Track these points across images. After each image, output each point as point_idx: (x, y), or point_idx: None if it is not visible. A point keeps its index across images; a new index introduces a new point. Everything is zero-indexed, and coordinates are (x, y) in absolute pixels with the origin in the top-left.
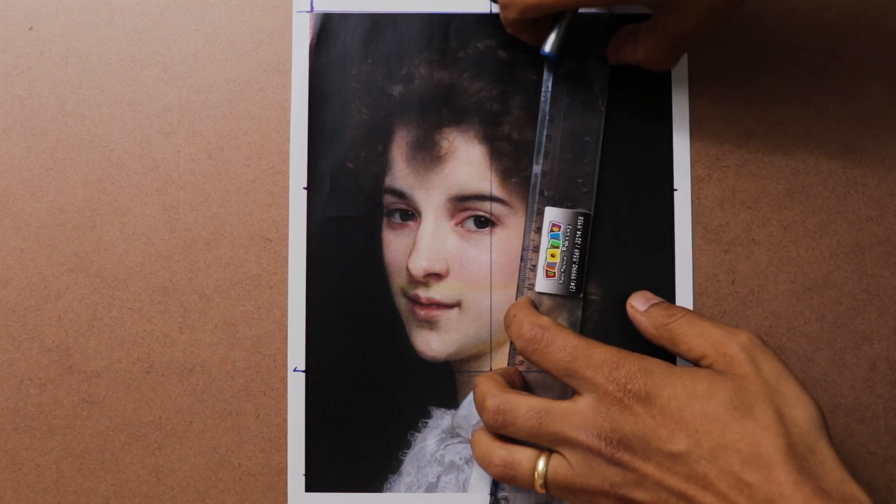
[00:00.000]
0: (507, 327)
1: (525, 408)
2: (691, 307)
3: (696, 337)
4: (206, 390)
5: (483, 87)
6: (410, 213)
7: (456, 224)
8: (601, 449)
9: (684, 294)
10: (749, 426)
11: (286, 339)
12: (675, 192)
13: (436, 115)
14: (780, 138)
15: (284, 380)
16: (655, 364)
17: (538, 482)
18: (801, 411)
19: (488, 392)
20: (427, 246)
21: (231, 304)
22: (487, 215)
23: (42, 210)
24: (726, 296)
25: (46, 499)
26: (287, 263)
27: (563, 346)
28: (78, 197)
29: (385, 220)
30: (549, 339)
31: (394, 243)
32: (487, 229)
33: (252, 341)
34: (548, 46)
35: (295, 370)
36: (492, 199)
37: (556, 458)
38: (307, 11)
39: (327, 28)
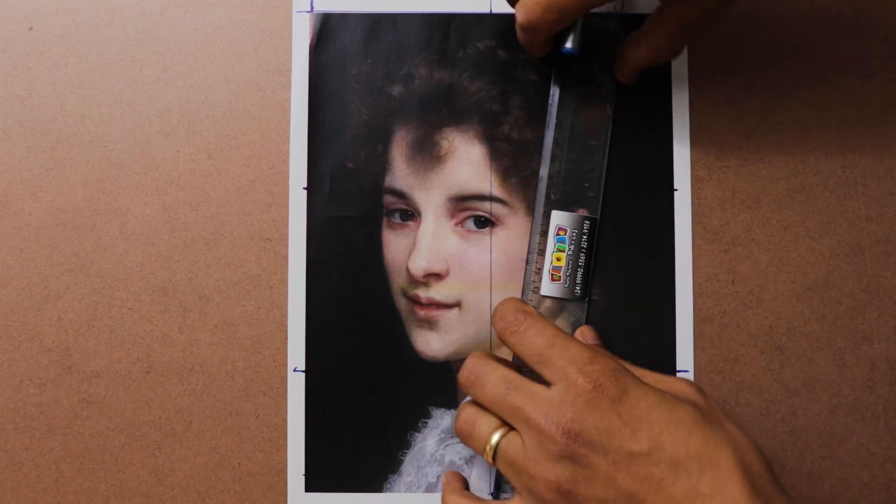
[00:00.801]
0: (492, 315)
1: (498, 374)
2: (691, 307)
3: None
4: (205, 390)
5: (483, 87)
6: (410, 213)
7: (456, 224)
8: (557, 438)
9: (684, 294)
10: (711, 436)
11: (286, 339)
12: (675, 192)
13: (436, 115)
14: (780, 138)
15: (284, 380)
16: (630, 366)
17: (489, 452)
18: (746, 438)
19: (473, 354)
20: (427, 246)
21: (231, 304)
22: (487, 215)
23: (42, 210)
24: (726, 296)
25: (46, 499)
26: (287, 263)
27: (542, 333)
28: (78, 197)
29: (385, 220)
30: (529, 324)
31: (394, 243)
32: (487, 229)
33: (252, 341)
34: (569, 43)
35: (295, 370)
36: (492, 199)
37: (512, 435)
38: (307, 11)
39: (327, 28)
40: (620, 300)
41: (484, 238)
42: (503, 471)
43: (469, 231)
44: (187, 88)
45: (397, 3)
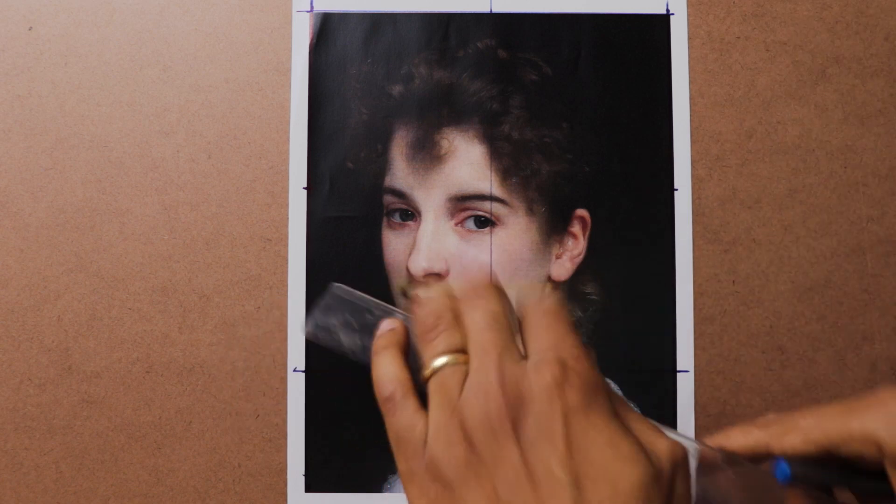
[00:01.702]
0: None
1: (500, 307)
2: (691, 307)
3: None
4: (205, 390)
5: (483, 87)
6: (410, 213)
7: (456, 224)
8: (500, 410)
9: (684, 294)
10: None
11: (286, 339)
12: (675, 192)
13: (436, 115)
14: (780, 138)
15: (284, 380)
16: (610, 388)
17: (429, 370)
18: None
19: (495, 280)
20: (427, 246)
21: (231, 304)
22: (487, 215)
23: (42, 210)
24: (726, 296)
25: (46, 499)
26: (287, 263)
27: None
28: (78, 197)
29: (385, 220)
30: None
31: (394, 243)
32: (487, 229)
33: (252, 341)
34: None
35: (295, 370)
36: (492, 198)
37: (460, 368)
38: (307, 11)
39: (327, 28)
40: (620, 300)
41: (484, 238)
42: (429, 394)
43: (469, 231)
44: (187, 88)
45: (397, 3)
